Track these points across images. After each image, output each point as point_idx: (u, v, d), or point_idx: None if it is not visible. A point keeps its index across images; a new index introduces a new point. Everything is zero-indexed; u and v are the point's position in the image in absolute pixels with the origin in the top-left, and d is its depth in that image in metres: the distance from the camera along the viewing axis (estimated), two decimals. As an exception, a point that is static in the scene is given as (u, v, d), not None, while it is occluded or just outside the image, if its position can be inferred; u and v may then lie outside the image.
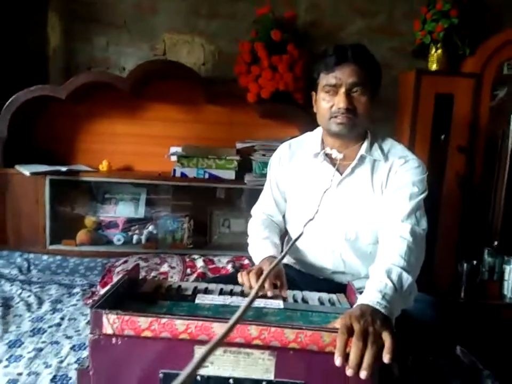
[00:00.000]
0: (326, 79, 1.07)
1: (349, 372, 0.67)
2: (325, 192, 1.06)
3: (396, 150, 1.14)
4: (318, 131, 1.22)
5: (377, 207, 1.10)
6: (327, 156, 1.16)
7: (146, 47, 2.04)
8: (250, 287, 0.99)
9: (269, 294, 0.96)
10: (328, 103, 1.07)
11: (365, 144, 1.12)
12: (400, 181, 1.08)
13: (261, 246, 1.19)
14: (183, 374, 0.29)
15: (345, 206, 1.14)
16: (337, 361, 0.68)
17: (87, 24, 1.99)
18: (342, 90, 1.04)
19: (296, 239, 0.77)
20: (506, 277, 1.86)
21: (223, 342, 0.69)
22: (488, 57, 1.86)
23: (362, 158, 1.12)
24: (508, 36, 1.86)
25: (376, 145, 1.13)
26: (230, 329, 0.34)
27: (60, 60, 2.01)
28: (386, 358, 0.68)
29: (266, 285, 0.96)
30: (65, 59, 2.01)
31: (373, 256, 1.04)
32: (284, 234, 1.33)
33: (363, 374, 0.67)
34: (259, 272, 1.01)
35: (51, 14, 1.97)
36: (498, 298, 1.88)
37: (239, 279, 1.02)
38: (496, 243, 1.96)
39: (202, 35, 2.04)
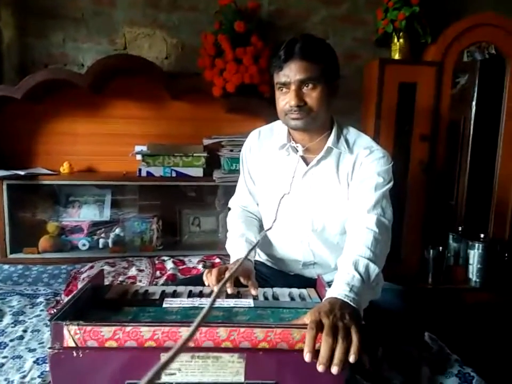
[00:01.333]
0: (277, 77, 1.08)
1: (320, 367, 0.67)
2: (282, 197, 1.07)
3: (361, 141, 1.14)
4: None
5: (343, 198, 1.11)
6: (293, 148, 1.16)
7: (106, 41, 1.96)
8: (214, 285, 0.98)
9: (229, 291, 0.95)
10: (282, 101, 1.08)
11: (332, 136, 1.12)
12: (365, 172, 1.08)
13: (236, 244, 1.18)
14: (143, 381, 0.27)
15: (311, 197, 1.14)
16: (306, 357, 0.68)
17: (42, 19, 1.89)
18: (292, 87, 1.05)
19: (253, 248, 0.77)
20: (471, 261, 1.92)
21: (188, 347, 0.67)
22: (449, 45, 1.90)
23: (328, 150, 1.12)
24: (468, 23, 1.90)
25: (342, 137, 1.14)
26: (192, 334, 0.33)
27: (14, 57, 1.90)
28: (351, 358, 0.68)
29: (227, 284, 0.95)
30: (20, 56, 1.91)
31: (341, 247, 1.05)
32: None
33: (335, 370, 0.67)
34: (223, 271, 1.00)
35: (3, 8, 1.87)
36: (464, 282, 1.94)
37: (205, 280, 1.01)
38: (460, 228, 2.02)
39: (163, 28, 1.99)
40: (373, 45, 2.08)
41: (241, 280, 0.98)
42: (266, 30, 1.96)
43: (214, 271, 1.00)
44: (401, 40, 1.94)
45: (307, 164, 1.14)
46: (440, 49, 1.91)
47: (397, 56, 1.96)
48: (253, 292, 0.96)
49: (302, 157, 1.14)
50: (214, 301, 0.45)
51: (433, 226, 1.98)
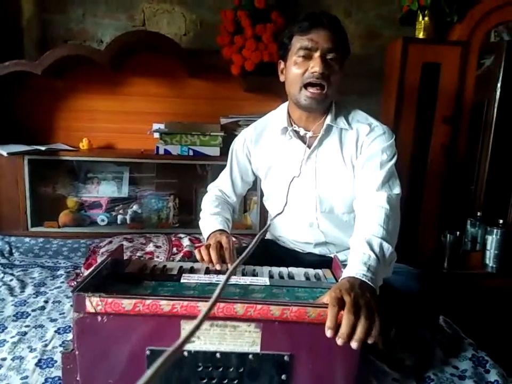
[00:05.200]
0: (300, 41, 1.03)
1: (339, 341, 0.68)
2: (291, 180, 1.06)
3: (360, 117, 1.14)
4: (283, 107, 1.20)
5: (349, 177, 1.11)
6: (296, 132, 1.15)
7: (125, 17, 1.95)
8: (210, 262, 0.99)
9: (217, 267, 0.97)
10: (300, 68, 1.04)
11: (330, 115, 1.11)
12: (369, 150, 1.08)
13: (210, 220, 1.19)
14: (169, 351, 0.28)
15: (317, 179, 1.14)
16: (328, 333, 0.68)
17: (61, -7, 1.89)
18: (318, 54, 1.01)
19: (264, 231, 0.77)
20: (488, 247, 1.89)
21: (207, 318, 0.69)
22: (476, 24, 1.82)
23: (328, 128, 1.12)
24: (497, 1, 1.81)
25: (341, 115, 1.13)
26: (212, 306, 0.34)
27: (34, 32, 1.91)
28: (370, 340, 0.69)
29: (215, 259, 0.98)
30: (40, 31, 1.92)
31: (350, 225, 1.06)
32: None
33: (355, 345, 0.68)
34: (218, 247, 1.01)
35: (22, -17, 1.86)
36: (481, 268, 1.92)
37: (197, 256, 1.02)
38: (479, 214, 1.98)
39: (182, 4, 1.96)
40: (397, 24, 2.01)
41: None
42: (287, 6, 1.91)
43: (211, 246, 1.00)
44: (426, 19, 1.87)
45: (310, 147, 1.13)
46: (466, 29, 1.83)
47: (421, 35, 1.89)
48: (218, 267, 0.97)
49: (304, 139, 1.13)
50: (230, 276, 0.45)
51: (452, 211, 1.95)
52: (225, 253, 1.01)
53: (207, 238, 1.14)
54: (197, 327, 0.31)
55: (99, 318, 0.72)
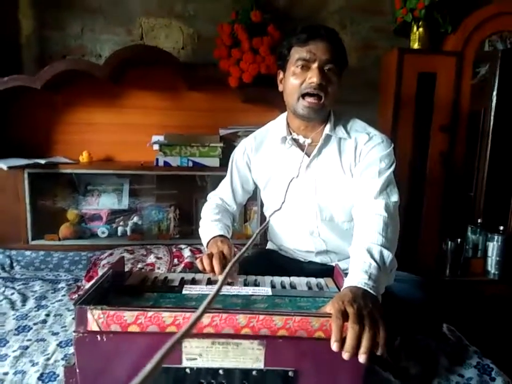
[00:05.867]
0: (299, 52, 1.05)
1: (346, 355, 0.67)
2: (290, 181, 1.07)
3: (358, 126, 1.15)
4: (282, 117, 1.22)
5: (349, 186, 1.12)
6: (294, 140, 1.16)
7: (123, 32, 1.97)
8: (212, 272, 0.98)
9: (220, 278, 0.95)
10: (298, 79, 1.06)
11: (329, 124, 1.13)
12: (367, 159, 1.09)
13: (210, 227, 1.18)
14: (149, 366, 0.28)
15: (317, 188, 1.15)
16: (334, 346, 0.68)
17: (60, 10, 1.91)
18: (315, 65, 1.03)
19: (262, 228, 0.77)
20: (489, 254, 1.90)
21: (207, 333, 0.68)
22: (469, 35, 1.86)
23: (327, 138, 1.13)
24: (489, 12, 1.85)
25: (339, 124, 1.14)
26: (198, 319, 0.33)
27: (33, 48, 1.93)
28: (379, 351, 0.69)
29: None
30: (39, 47, 1.94)
31: (350, 233, 1.06)
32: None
33: (362, 358, 0.67)
34: (221, 257, 1.00)
35: (22, 0, 1.89)
36: (483, 274, 1.92)
37: (199, 265, 1.01)
38: (479, 220, 1.99)
39: (180, 18, 1.99)
40: (391, 35, 2.05)
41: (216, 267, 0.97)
42: (283, 20, 1.94)
43: (213, 256, 0.99)
44: (420, 30, 1.90)
45: (309, 156, 1.14)
46: (460, 39, 1.86)
47: (416, 46, 1.92)
48: (220, 277, 0.95)
49: (303, 147, 1.14)
50: (222, 285, 0.43)
51: (452, 218, 1.96)
52: (227, 263, 1.00)
53: (207, 244, 1.14)
54: (180, 339, 0.31)
55: (98, 337, 0.72)
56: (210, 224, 1.19)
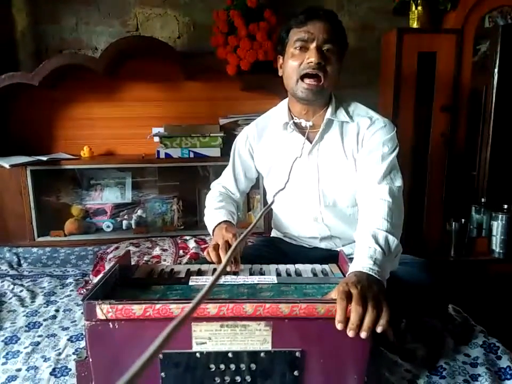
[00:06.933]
0: (297, 34, 1.04)
1: (350, 333, 0.69)
2: (294, 161, 1.07)
3: (360, 110, 1.14)
4: (283, 103, 1.21)
5: (352, 170, 1.11)
6: (296, 125, 1.15)
7: (118, 23, 1.95)
8: (219, 263, 0.98)
9: (227, 268, 0.96)
10: (297, 60, 1.05)
11: (330, 108, 1.12)
12: (370, 144, 1.08)
13: (214, 214, 1.19)
14: (147, 354, 0.28)
15: (320, 173, 1.14)
16: (339, 326, 0.69)
17: (53, 4, 1.89)
18: (314, 45, 1.02)
19: (268, 207, 0.77)
20: (494, 233, 1.89)
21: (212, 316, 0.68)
22: (469, 11, 1.82)
23: (329, 122, 1.12)
24: (488, -13, 1.81)
25: (341, 108, 1.13)
26: (195, 307, 0.34)
27: (29, 43, 1.91)
28: (379, 328, 0.70)
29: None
30: (35, 42, 1.92)
31: (354, 218, 1.07)
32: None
33: (363, 334, 0.69)
34: (227, 247, 1.00)
35: (15, -5, 1.87)
36: (488, 254, 1.92)
37: (207, 257, 1.02)
38: (483, 200, 1.98)
39: (175, 7, 1.96)
40: (390, 15, 2.01)
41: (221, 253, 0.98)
42: (279, 4, 1.91)
43: (219, 247, 1.00)
44: (419, 8, 1.86)
45: (310, 140, 1.14)
46: (460, 16, 1.82)
47: (415, 25, 1.88)
48: (237, 268, 0.97)
49: (305, 133, 1.14)
50: (220, 274, 0.43)
51: (455, 198, 1.95)
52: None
53: (213, 231, 1.15)
54: (176, 329, 0.31)
55: (110, 325, 0.73)
56: (214, 212, 1.20)
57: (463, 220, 1.90)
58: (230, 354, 0.74)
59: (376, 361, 0.82)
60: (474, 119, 1.98)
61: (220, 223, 1.13)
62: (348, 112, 1.13)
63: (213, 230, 1.15)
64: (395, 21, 2.00)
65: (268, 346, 0.74)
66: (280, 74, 1.15)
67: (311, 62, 1.02)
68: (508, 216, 1.86)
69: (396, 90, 1.83)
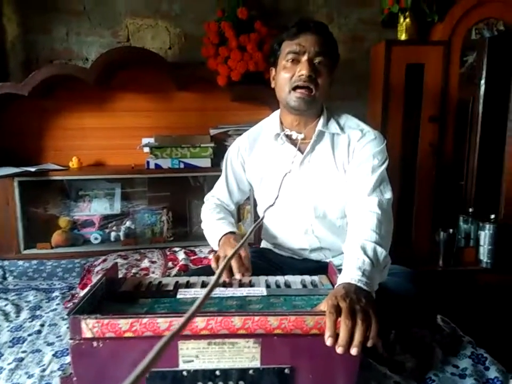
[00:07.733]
0: (289, 46, 1.06)
1: (339, 349, 0.68)
2: (284, 176, 1.07)
3: (351, 122, 1.15)
4: (275, 114, 1.22)
5: (342, 183, 1.12)
6: (288, 137, 1.15)
7: (109, 34, 1.95)
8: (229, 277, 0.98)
9: (238, 277, 0.96)
10: (288, 73, 1.06)
11: (322, 120, 1.13)
12: (360, 156, 1.09)
13: (217, 226, 1.19)
14: (138, 369, 0.28)
15: (311, 185, 1.15)
16: (328, 341, 0.69)
17: (44, 14, 1.89)
18: (305, 57, 1.04)
19: (257, 224, 0.76)
20: (481, 243, 1.90)
21: (203, 334, 0.67)
22: (456, 23, 1.86)
23: (320, 134, 1.13)
24: (474, 0, 1.85)
25: (332, 120, 1.14)
26: (188, 320, 0.33)
27: (19, 53, 1.90)
28: (369, 342, 0.69)
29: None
30: (25, 52, 1.91)
31: (344, 229, 1.06)
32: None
33: (354, 351, 0.68)
34: (237, 258, 1.00)
35: (5, 4, 1.86)
36: (475, 264, 1.93)
37: (213, 265, 1.02)
38: (471, 210, 2.00)
39: (165, 18, 1.97)
40: (379, 26, 2.04)
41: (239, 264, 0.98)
42: (270, 16, 1.93)
43: (220, 258, 1.01)
44: (407, 20, 1.90)
45: (301, 151, 1.14)
46: (447, 28, 1.86)
47: (403, 37, 1.92)
48: (237, 276, 0.96)
49: (296, 142, 1.14)
50: (213, 287, 0.42)
51: (443, 208, 1.97)
52: (244, 262, 1.00)
53: (219, 241, 1.14)
54: (168, 342, 0.31)
55: (95, 344, 0.71)
56: (216, 223, 1.20)
57: (451, 230, 1.92)
58: (217, 372, 0.73)
59: (366, 374, 0.82)
60: (461, 130, 2.01)
61: (225, 234, 1.13)
62: (339, 124, 1.14)
63: (219, 241, 1.14)
64: (384, 32, 2.04)
65: (257, 364, 0.73)
66: (272, 86, 1.16)
67: (302, 75, 1.03)
68: (495, 226, 1.88)
69: (384, 101, 1.86)
